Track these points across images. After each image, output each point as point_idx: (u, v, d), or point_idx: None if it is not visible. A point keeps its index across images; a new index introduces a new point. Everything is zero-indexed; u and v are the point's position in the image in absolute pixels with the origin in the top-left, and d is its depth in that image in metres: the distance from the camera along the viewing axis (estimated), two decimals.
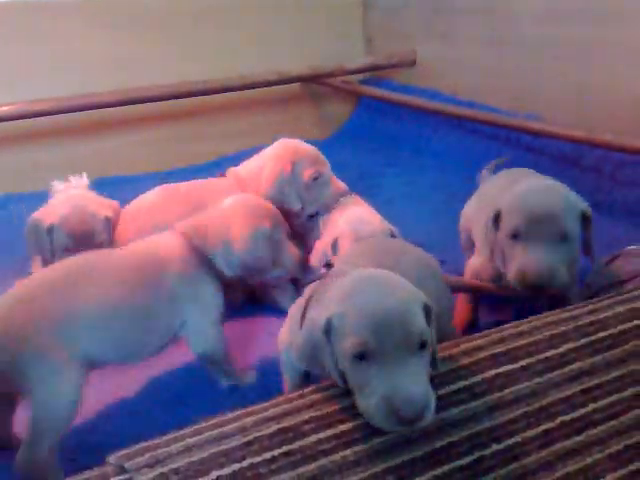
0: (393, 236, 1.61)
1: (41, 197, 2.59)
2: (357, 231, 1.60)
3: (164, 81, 2.66)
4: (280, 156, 1.77)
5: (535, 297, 1.47)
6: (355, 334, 0.90)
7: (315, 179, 1.76)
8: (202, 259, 1.38)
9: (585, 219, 1.40)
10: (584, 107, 2.24)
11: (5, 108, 2.45)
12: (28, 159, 2.67)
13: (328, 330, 0.93)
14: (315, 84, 2.99)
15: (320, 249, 1.66)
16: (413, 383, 0.86)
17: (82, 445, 1.25)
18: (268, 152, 1.82)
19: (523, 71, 2.49)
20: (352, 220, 1.65)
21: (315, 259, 1.68)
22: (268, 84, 2.79)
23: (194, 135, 2.87)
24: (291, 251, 1.54)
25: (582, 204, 1.41)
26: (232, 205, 1.48)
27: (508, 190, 1.46)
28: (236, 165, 1.90)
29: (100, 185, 2.68)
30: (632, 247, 1.53)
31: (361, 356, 0.89)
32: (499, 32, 2.58)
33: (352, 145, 2.90)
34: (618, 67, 2.14)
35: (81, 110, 2.57)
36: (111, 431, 1.30)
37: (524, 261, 1.34)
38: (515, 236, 1.37)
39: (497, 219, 1.42)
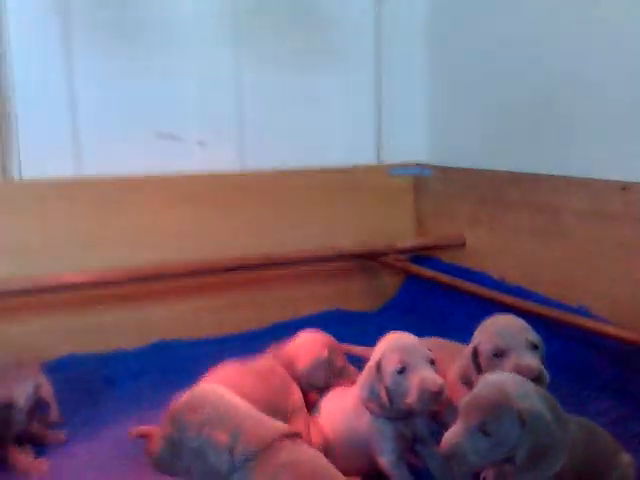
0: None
1: (105, 358, 2.69)
2: None
3: (229, 254, 2.84)
4: None
5: None
6: None
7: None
8: None
9: (521, 421, 1.30)
10: (635, 306, 2.27)
11: (80, 276, 2.58)
12: (94, 320, 2.80)
13: None
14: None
15: None
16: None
17: None
18: None
19: (569, 263, 2.56)
20: None
21: None
22: (326, 259, 2.96)
23: (251, 302, 3.02)
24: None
25: (523, 402, 1.31)
26: None
27: None
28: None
29: (160, 348, 2.81)
30: None
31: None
32: (543, 225, 2.68)
33: (400, 319, 2.99)
34: None
35: (149, 279, 2.72)
36: None
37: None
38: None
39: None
